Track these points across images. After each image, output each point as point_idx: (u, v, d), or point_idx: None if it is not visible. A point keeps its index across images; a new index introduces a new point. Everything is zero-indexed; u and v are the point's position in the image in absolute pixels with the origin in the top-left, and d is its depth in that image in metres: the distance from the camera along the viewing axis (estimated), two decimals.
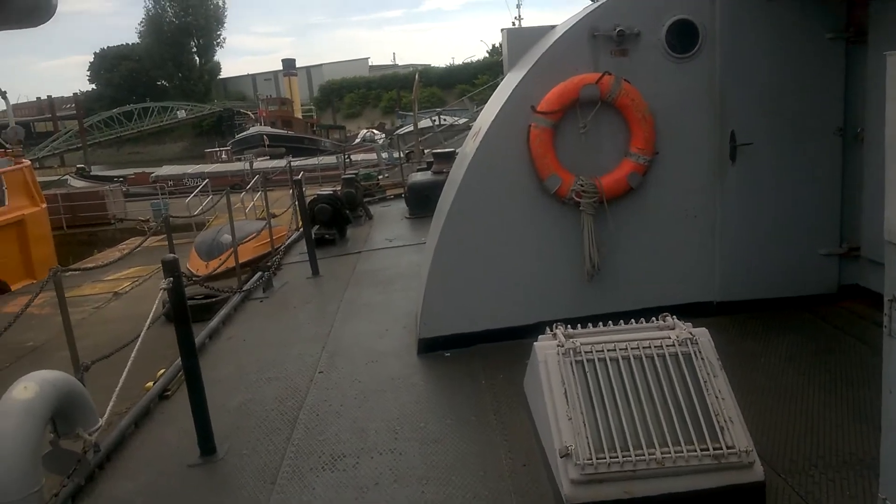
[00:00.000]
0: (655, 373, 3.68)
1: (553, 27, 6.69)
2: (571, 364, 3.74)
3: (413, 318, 6.86)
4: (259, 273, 9.60)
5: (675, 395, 3.59)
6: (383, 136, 54.02)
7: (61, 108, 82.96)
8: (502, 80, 7.15)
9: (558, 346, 3.83)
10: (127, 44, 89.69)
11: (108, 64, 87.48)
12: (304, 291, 8.82)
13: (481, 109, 27.09)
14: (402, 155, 24.29)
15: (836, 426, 4.25)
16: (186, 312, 4.64)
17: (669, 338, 3.83)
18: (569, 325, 4.11)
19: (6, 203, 17.68)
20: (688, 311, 5.70)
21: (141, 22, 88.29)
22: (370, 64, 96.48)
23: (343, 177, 14.36)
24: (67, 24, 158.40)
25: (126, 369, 4.42)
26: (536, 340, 4.04)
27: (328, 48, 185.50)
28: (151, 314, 4.93)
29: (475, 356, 5.74)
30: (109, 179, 35.17)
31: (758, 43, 5.76)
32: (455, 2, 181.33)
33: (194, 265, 15.37)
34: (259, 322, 7.72)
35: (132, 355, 4.57)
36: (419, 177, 13.59)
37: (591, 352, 3.78)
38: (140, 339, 4.76)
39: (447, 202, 6.09)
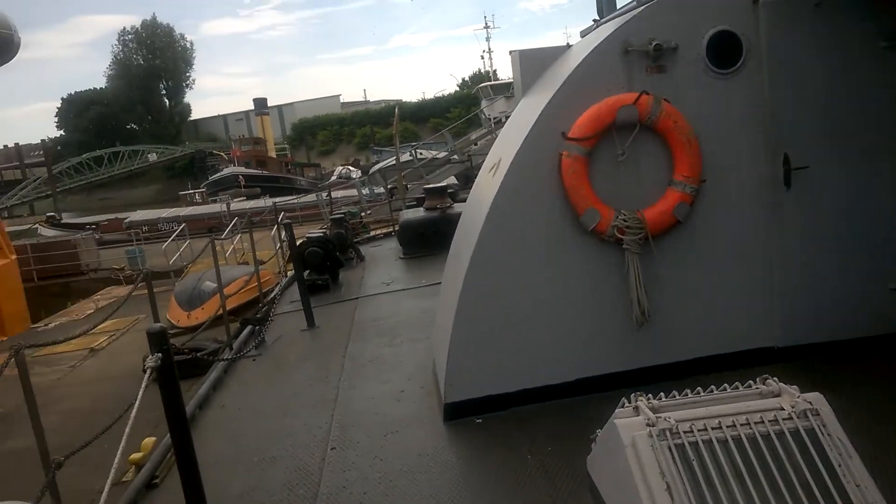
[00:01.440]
0: (776, 457, 2.94)
1: (569, 46, 6.08)
2: (670, 449, 2.98)
3: (430, 374, 6.08)
4: (249, 327, 8.74)
5: (807, 487, 2.84)
6: (359, 171, 53.53)
7: (29, 156, 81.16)
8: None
9: (647, 424, 3.08)
10: (95, 88, 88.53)
11: (76, 109, 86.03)
12: (300, 346, 7.99)
13: (462, 142, 26.59)
14: (386, 189, 23.59)
15: None
16: (177, 390, 3.84)
17: (782, 409, 3.10)
18: (650, 395, 3.36)
19: None
20: (746, 359, 5.03)
21: (109, 66, 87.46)
22: (342, 101, 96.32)
23: (332, 217, 13.59)
24: (32, 71, 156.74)
25: (110, 477, 3.57)
26: (606, 409, 3.30)
27: (299, 86, 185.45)
28: (138, 400, 4.06)
29: (512, 422, 4.96)
30: (81, 227, 33.90)
31: (808, 54, 5.16)
32: (423, 38, 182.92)
33: (174, 315, 14.42)
34: (254, 386, 6.87)
35: (119, 451, 3.73)
36: (411, 214, 12.89)
37: (691, 431, 3.03)
38: (128, 426, 3.92)
39: (467, 245, 5.36)
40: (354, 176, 48.77)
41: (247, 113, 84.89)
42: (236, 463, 5.08)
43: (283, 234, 16.43)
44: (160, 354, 3.55)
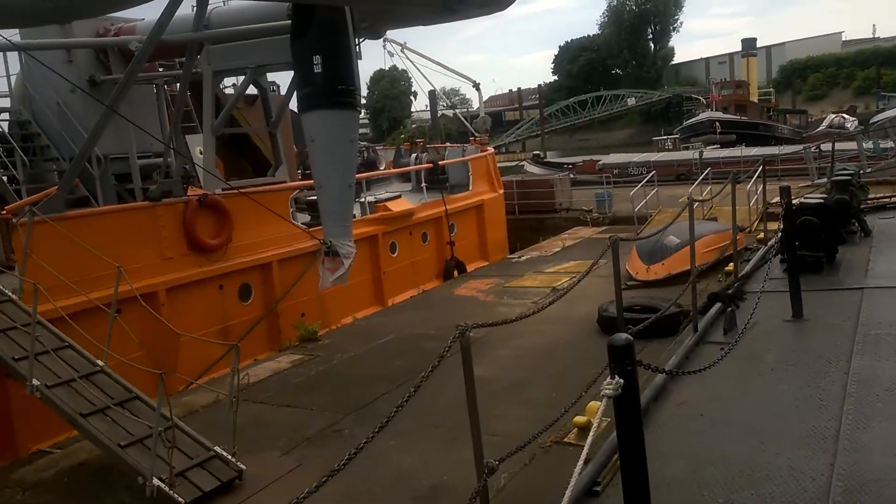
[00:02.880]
0: None
1: None
2: None
3: None
4: (718, 305, 7.34)
5: None
6: (855, 121, 45.22)
7: (527, 99, 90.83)
8: None
9: None
10: (588, 36, 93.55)
11: (569, 56, 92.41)
12: (783, 344, 6.30)
13: None
14: None
15: None
16: (637, 418, 2.82)
17: None
18: None
19: (470, 188, 18.59)
20: None
21: (603, 13, 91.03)
22: (843, 39, 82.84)
23: (834, 178, 10.97)
24: (537, 22, 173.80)
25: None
26: None
27: (792, 25, 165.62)
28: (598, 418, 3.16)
29: None
30: (560, 166, 36.03)
31: None
32: None
33: (634, 267, 13.71)
34: (720, 385, 5.53)
35: None
36: None
37: None
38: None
39: None
40: (850, 126, 41.39)
41: (731, 55, 79.51)
42: (695, 497, 3.91)
43: (762, 189, 14.25)
44: (621, 381, 2.53)
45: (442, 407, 7.77)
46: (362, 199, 14.62)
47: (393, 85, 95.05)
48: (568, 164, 37.72)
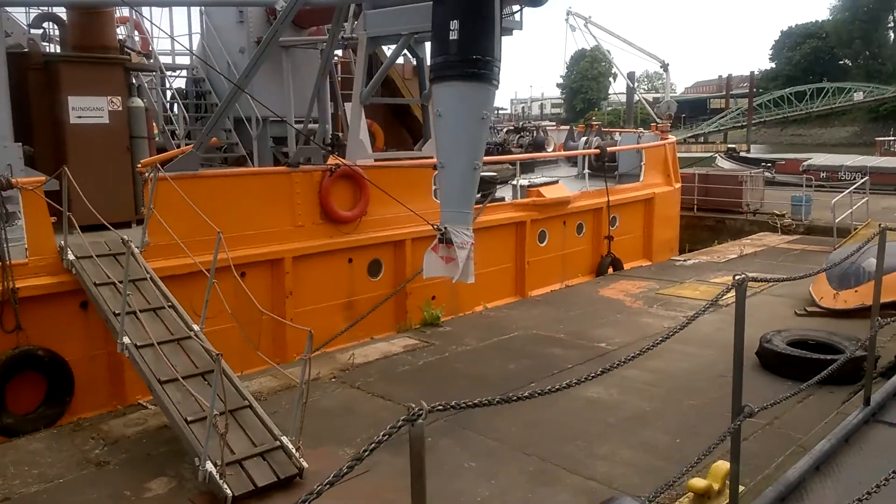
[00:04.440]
0: None
1: None
2: None
3: None
4: None
5: None
6: None
7: (737, 86, 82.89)
8: None
9: None
10: (815, 21, 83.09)
11: (791, 42, 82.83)
12: None
13: None
14: None
15: None
16: None
17: None
18: None
19: (641, 179, 16.77)
20: None
21: None
22: None
23: None
24: (757, 2, 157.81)
25: None
26: None
27: None
28: None
29: None
30: (758, 163, 32.07)
31: None
32: None
33: (819, 290, 11.39)
34: (889, 496, 3.87)
35: None
36: None
37: None
38: None
39: None
40: None
41: None
42: None
43: None
44: None
45: (540, 429, 6.67)
46: (514, 183, 13.56)
47: (593, 65, 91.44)
48: (767, 161, 33.46)
